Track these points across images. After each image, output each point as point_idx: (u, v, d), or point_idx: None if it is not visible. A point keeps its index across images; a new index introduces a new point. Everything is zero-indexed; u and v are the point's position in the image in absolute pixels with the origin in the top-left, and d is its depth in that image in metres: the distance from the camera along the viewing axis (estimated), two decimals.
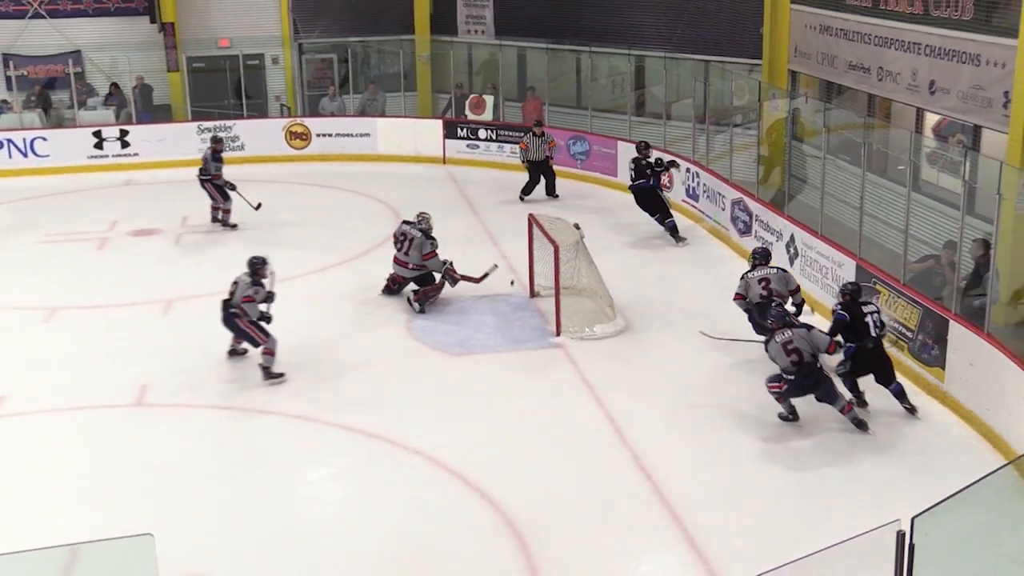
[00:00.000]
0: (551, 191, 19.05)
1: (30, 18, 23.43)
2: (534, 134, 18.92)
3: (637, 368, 12.10)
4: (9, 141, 21.52)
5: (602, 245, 14.39)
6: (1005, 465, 9.59)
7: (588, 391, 11.52)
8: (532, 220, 14.02)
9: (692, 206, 17.59)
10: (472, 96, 22.96)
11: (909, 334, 11.51)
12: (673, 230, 16.43)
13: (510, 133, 21.33)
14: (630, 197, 17.01)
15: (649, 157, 16.71)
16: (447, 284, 13.86)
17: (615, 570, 8.53)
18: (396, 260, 14.04)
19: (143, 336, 13.24)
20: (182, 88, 23.53)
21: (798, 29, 18.04)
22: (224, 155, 18.00)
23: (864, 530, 5.98)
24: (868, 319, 10.80)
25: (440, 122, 22.48)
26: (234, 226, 17.85)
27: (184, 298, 14.44)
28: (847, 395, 10.75)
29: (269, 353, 11.89)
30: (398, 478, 9.86)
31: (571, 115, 21.83)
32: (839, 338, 10.80)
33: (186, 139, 22.16)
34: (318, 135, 22.64)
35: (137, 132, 22.22)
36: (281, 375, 11.86)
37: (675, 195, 17.98)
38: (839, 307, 10.97)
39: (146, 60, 23.34)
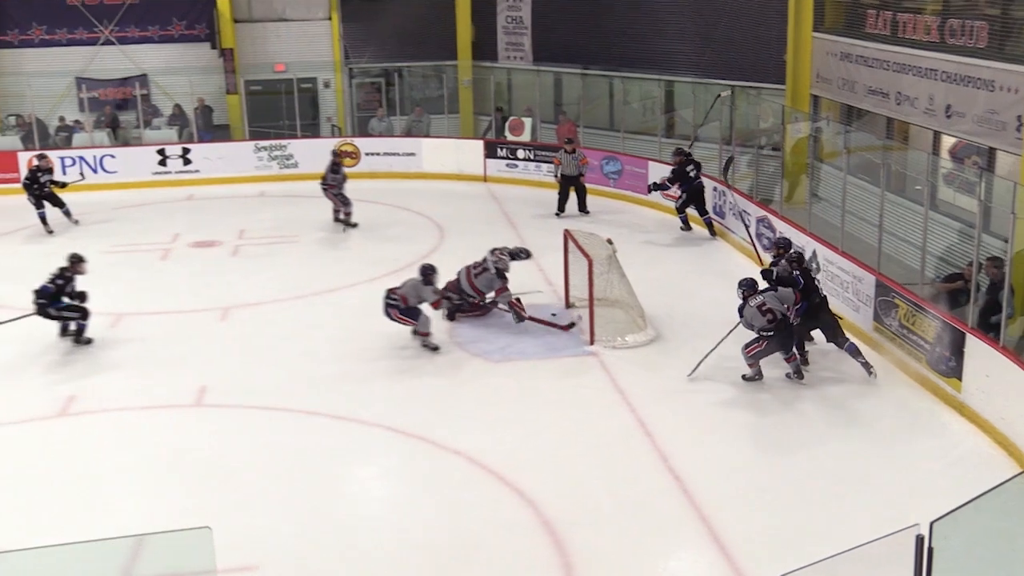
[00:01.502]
0: (582, 207, 19.01)
1: (101, 44, 23.72)
2: (566, 151, 18.92)
3: (666, 375, 12.00)
4: (81, 158, 21.72)
5: (633, 259, 14.31)
6: (1022, 473, 9.44)
7: (620, 396, 11.45)
8: (567, 235, 13.97)
9: (719, 223, 17.48)
10: (512, 118, 22.96)
11: (927, 346, 11.37)
12: (709, 225, 17.38)
13: (547, 153, 21.31)
14: (661, 215, 17.03)
15: (686, 165, 17.25)
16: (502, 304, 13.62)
17: (646, 568, 8.45)
18: (468, 275, 13.67)
19: (202, 341, 13.31)
20: (240, 109, 23.69)
21: (820, 56, 17.93)
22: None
23: (884, 533, 5.89)
24: (816, 282, 11.97)
25: (481, 142, 22.48)
26: (355, 225, 18.25)
27: (240, 306, 14.49)
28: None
29: (423, 334, 12.71)
30: (439, 477, 9.83)
31: (604, 136, 21.79)
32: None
33: (244, 157, 22.37)
34: (367, 154, 22.71)
35: (198, 150, 22.39)
36: (436, 347, 12.69)
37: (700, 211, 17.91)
38: (797, 273, 11.82)
39: (207, 83, 23.53)
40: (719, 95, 18.05)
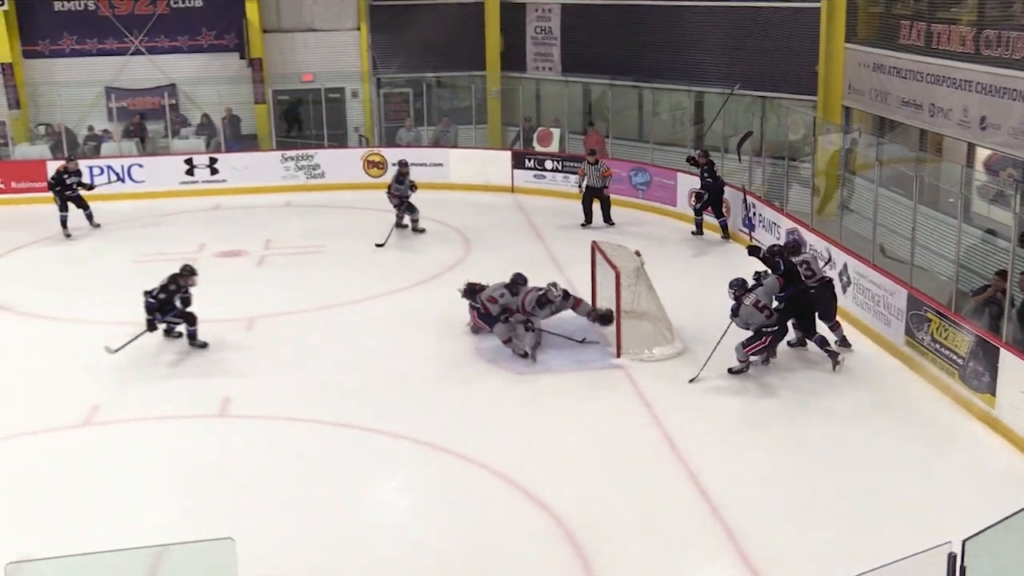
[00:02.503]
0: (607, 218, 18.99)
1: (131, 54, 23.93)
2: (588, 162, 18.90)
3: (694, 389, 11.95)
4: (109, 167, 21.89)
5: (661, 271, 14.26)
6: None
7: (646, 410, 11.41)
8: (595, 247, 13.95)
9: (749, 235, 17.40)
10: (540, 129, 22.98)
11: (960, 361, 11.26)
12: (724, 227, 17.91)
13: (575, 164, 21.28)
14: (691, 226, 16.98)
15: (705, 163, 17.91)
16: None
17: None
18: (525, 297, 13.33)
19: (227, 351, 13.36)
20: (268, 119, 23.83)
21: (852, 67, 17.85)
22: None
23: (915, 551, 5.83)
24: (799, 268, 12.54)
25: (509, 153, 22.50)
26: (422, 230, 18.51)
27: (266, 316, 14.55)
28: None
29: (505, 341, 12.86)
30: (463, 489, 9.82)
31: (633, 147, 21.78)
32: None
33: (271, 167, 22.49)
34: (394, 164, 22.68)
35: (225, 160, 22.53)
36: (524, 355, 12.71)
37: (732, 224, 17.84)
38: (779, 264, 12.47)
39: (235, 93, 23.68)
40: (731, 90, 18.07)
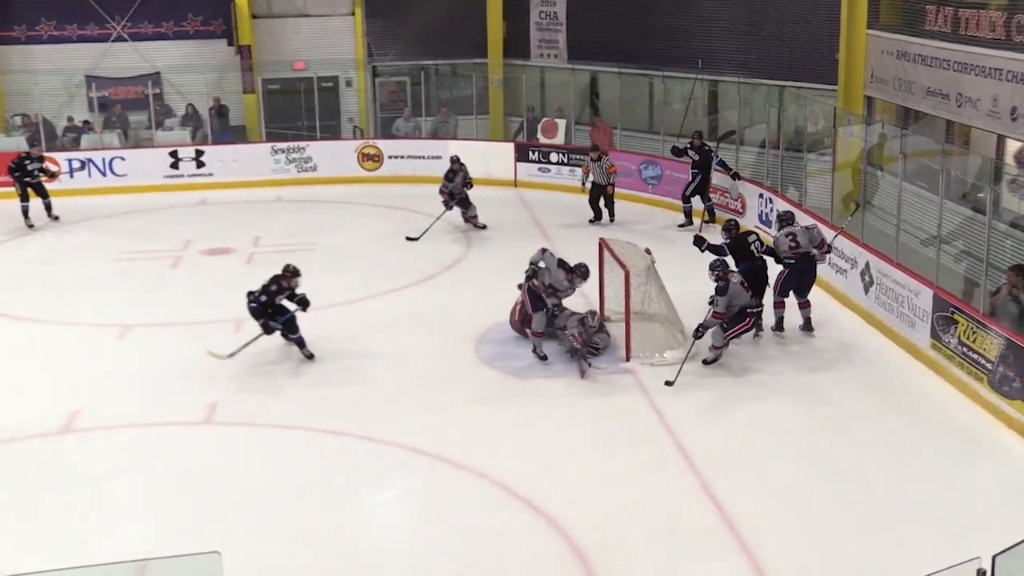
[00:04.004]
0: (610, 216, 18.97)
1: (113, 41, 23.93)
2: (591, 158, 18.89)
3: (707, 395, 11.94)
4: (89, 161, 21.90)
5: (673, 271, 14.23)
6: None
7: (657, 417, 11.39)
8: (603, 244, 13.92)
9: (765, 232, 17.37)
10: (544, 119, 22.96)
11: (989, 366, 11.23)
12: (711, 212, 18.47)
13: (581, 157, 21.26)
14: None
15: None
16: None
17: None
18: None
19: None
20: (257, 109, 23.81)
21: (874, 54, 17.81)
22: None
23: (942, 567, 5.80)
24: (751, 247, 13.39)
25: (512, 145, 22.49)
26: (483, 227, 18.53)
27: None
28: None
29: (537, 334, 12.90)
30: (463, 502, 9.80)
31: (643, 139, 21.74)
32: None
33: (260, 160, 22.48)
34: (390, 157, 22.76)
35: (212, 152, 22.52)
36: (544, 358, 12.82)
37: (748, 220, 17.80)
38: (727, 243, 13.44)
39: (223, 82, 23.68)
40: (696, 73, 19.16)
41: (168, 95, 24.10)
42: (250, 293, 12.92)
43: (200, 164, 22.41)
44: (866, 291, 13.86)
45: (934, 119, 16.38)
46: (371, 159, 22.77)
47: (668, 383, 12.07)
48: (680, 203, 18.86)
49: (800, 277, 13.59)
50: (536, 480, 10.02)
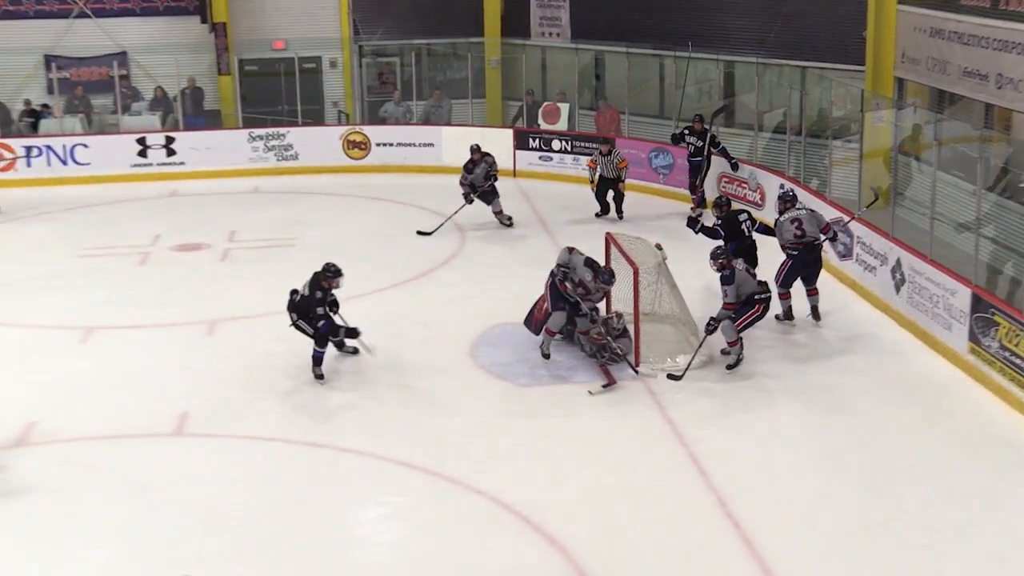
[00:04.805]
0: (618, 212, 18.90)
1: (75, 17, 23.86)
2: (601, 153, 18.82)
3: (722, 402, 11.91)
4: (48, 148, 21.87)
5: (686, 268, 14.19)
6: None
7: (669, 428, 11.33)
8: (610, 240, 13.86)
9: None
10: (545, 104, 22.91)
11: None
12: (702, 199, 18.80)
13: (585, 145, 21.21)
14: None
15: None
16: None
17: None
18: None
19: (185, 359, 13.28)
20: (233, 93, 23.75)
21: (906, 32, 17.76)
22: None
23: None
24: (743, 227, 14.04)
25: (510, 131, 22.45)
26: (509, 223, 18.48)
27: (230, 319, 14.49)
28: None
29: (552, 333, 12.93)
30: (458, 521, 9.74)
31: (653, 125, 21.72)
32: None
33: (236, 147, 22.48)
34: (378, 144, 22.72)
35: (184, 139, 22.50)
36: (547, 356, 12.90)
37: (767, 213, 17.74)
38: (719, 222, 14.08)
39: (195, 63, 23.66)
40: (688, 52, 19.45)
41: (135, 76, 24.07)
42: (293, 292, 12.66)
43: (170, 152, 22.37)
44: (897, 290, 13.81)
45: (971, 102, 16.34)
46: (357, 147, 22.72)
47: (673, 377, 12.05)
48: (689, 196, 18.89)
49: (805, 268, 13.86)
50: (537, 496, 9.97)
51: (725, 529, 9.46)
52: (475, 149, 18.34)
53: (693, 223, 14.41)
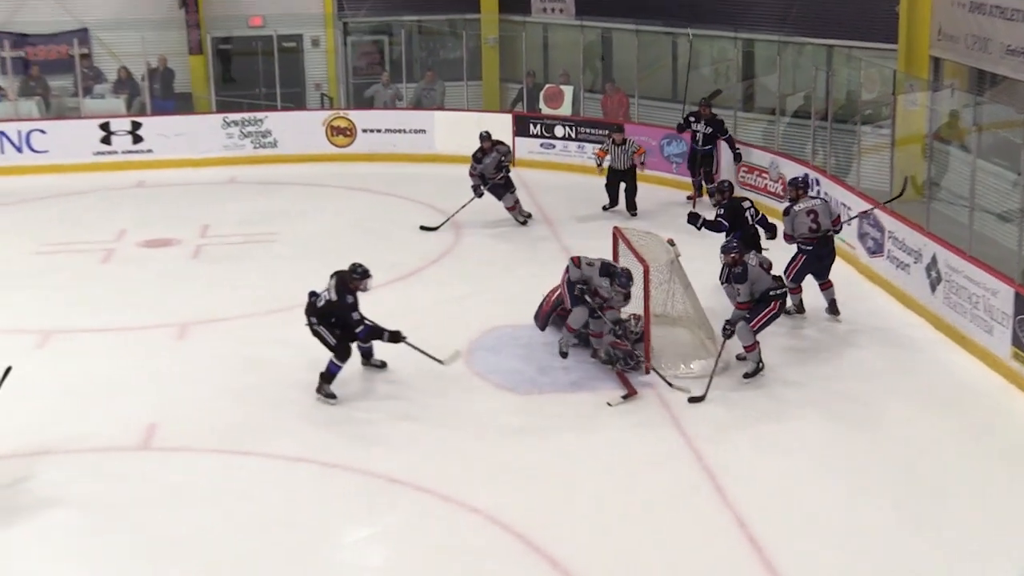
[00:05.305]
0: (630, 206, 18.84)
1: None
2: (614, 142, 18.74)
3: (742, 414, 11.91)
4: (2, 134, 21.89)
5: (701, 265, 14.19)
6: None
7: (683, 440, 11.34)
8: (618, 235, 13.87)
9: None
10: (548, 86, 22.90)
11: None
12: (699, 187, 19.12)
13: (591, 131, 21.20)
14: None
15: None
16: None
17: None
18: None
19: (153, 366, 13.28)
20: (206, 74, 23.72)
21: (942, 7, 17.76)
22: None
23: None
24: (747, 214, 14.26)
25: (509, 116, 22.47)
26: (524, 221, 18.37)
27: (202, 322, 14.50)
28: None
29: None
30: (452, 541, 9.74)
31: (665, 110, 21.70)
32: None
33: (209, 134, 22.48)
34: (364, 131, 22.72)
35: (152, 125, 22.49)
36: (564, 355, 12.89)
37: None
38: (722, 211, 14.35)
39: (164, 41, 23.61)
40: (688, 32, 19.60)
41: (98, 56, 24.06)
42: (312, 294, 12.51)
43: (137, 139, 22.38)
44: (932, 289, 13.81)
45: (1015, 83, 16.33)
46: (342, 133, 22.73)
47: (696, 399, 12.01)
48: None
49: (819, 261, 14.05)
50: (537, 514, 9.97)
51: (745, 553, 9.45)
52: (485, 137, 18.21)
53: (694, 219, 14.63)
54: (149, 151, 22.34)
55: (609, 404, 12.08)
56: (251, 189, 20.99)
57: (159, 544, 9.71)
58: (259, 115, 22.78)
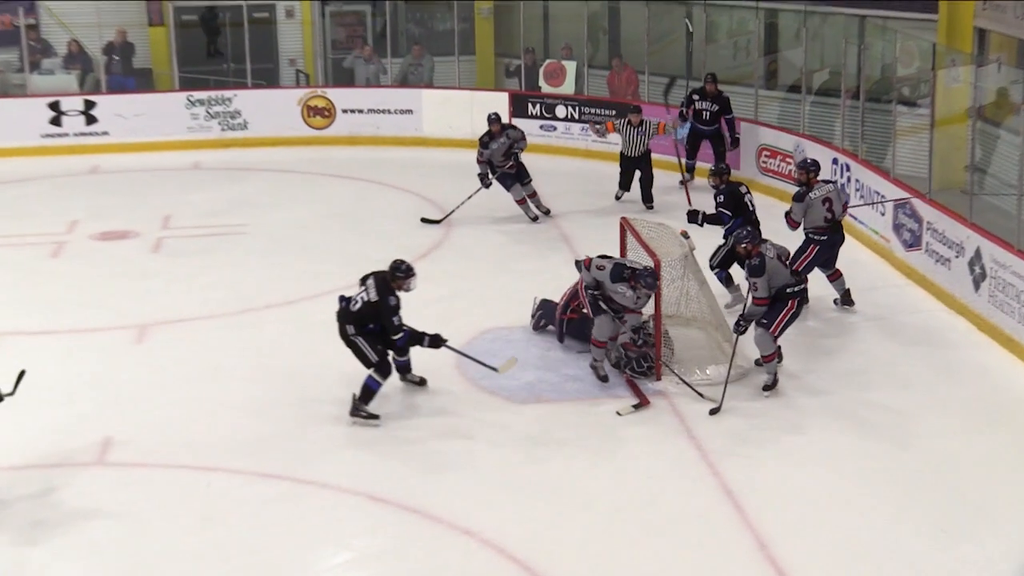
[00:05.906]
0: (647, 199, 18.79)
1: None
2: (631, 123, 18.65)
3: (763, 424, 11.93)
4: None
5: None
6: None
7: (698, 454, 11.35)
8: (626, 227, 13.86)
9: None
10: (548, 62, 22.91)
11: None
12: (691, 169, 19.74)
13: (595, 112, 21.21)
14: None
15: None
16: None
17: None
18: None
19: (108, 373, 13.28)
20: (168, 48, 23.71)
21: None
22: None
23: None
24: (746, 199, 14.49)
25: (505, 95, 22.51)
26: (535, 218, 18.33)
27: (163, 323, 14.51)
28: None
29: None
30: (442, 567, 9.74)
31: (677, 88, 21.70)
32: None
33: (172, 114, 22.49)
34: (344, 111, 22.76)
35: (107, 104, 22.53)
36: (605, 379, 12.74)
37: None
38: (721, 199, 14.47)
39: (120, 11, 23.65)
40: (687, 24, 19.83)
41: (47, 27, 24.05)
42: (343, 299, 12.34)
43: (90, 119, 22.40)
44: (976, 287, 13.82)
45: None
46: (319, 113, 22.75)
47: (713, 411, 12.00)
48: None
49: (831, 250, 14.35)
50: (536, 537, 9.98)
51: (765, 575, 9.50)
52: (493, 119, 18.12)
53: (694, 215, 14.87)
54: (104, 133, 22.38)
55: (619, 413, 12.10)
56: (218, 176, 21.04)
57: (113, 569, 9.72)
58: (227, 93, 22.79)
